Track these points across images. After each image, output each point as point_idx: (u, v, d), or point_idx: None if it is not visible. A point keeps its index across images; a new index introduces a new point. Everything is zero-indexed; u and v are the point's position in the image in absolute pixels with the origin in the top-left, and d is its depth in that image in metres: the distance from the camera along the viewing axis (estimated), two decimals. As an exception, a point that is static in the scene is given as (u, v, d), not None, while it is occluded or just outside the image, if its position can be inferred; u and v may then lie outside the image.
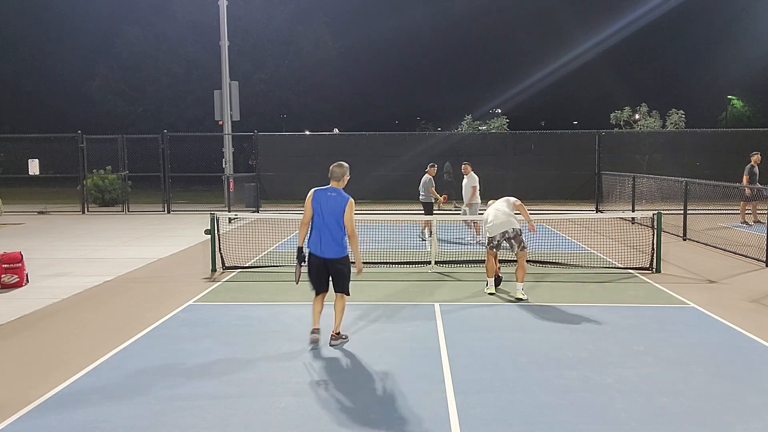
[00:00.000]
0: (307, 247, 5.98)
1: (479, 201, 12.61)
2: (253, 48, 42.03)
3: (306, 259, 6.05)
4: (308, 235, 6.03)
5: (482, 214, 12.58)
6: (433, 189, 13.28)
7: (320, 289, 6.09)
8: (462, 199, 13.14)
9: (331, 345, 6.01)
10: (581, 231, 13.71)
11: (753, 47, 45.13)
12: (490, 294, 8.22)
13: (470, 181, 12.65)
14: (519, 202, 8.45)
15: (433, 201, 13.45)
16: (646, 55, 53.70)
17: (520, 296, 7.90)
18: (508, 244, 8.21)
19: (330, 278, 6.05)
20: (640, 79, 50.35)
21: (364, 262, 10.29)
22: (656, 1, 47.67)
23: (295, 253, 6.13)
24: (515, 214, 8.29)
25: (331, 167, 6.08)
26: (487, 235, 8.37)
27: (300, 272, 6.11)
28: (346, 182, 6.07)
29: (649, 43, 52.85)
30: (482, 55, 61.33)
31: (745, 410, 4.60)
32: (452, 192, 19.84)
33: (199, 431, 4.33)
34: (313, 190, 5.94)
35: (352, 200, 5.92)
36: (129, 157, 21.02)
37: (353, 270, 6.07)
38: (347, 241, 5.94)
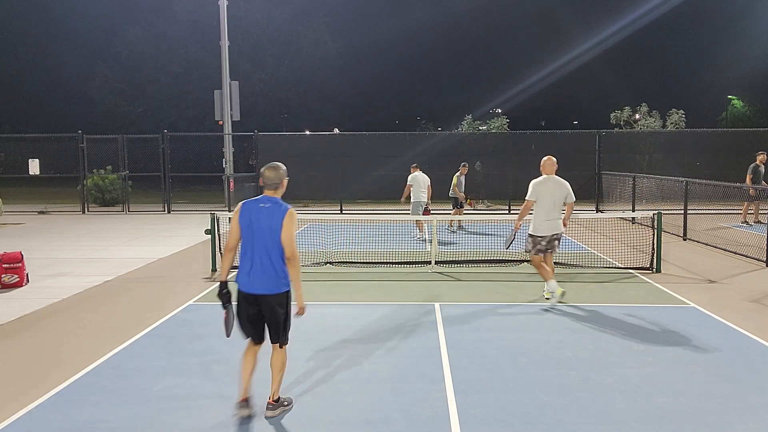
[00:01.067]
0: (235, 281, 4.47)
1: (421, 200, 13.23)
2: (253, 48, 42.04)
3: (233, 298, 4.51)
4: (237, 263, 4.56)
5: (428, 212, 13.53)
6: (458, 189, 14.54)
7: (255, 337, 4.54)
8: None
9: (267, 416, 4.46)
10: (581, 231, 13.71)
11: (753, 47, 45.14)
12: (563, 294, 7.62)
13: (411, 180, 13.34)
14: (572, 194, 7.77)
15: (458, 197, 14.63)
16: (646, 55, 53.72)
17: (549, 296, 7.71)
18: (548, 246, 7.71)
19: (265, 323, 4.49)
20: (640, 79, 50.36)
21: (364, 262, 10.43)
22: (656, 1, 47.69)
23: (218, 291, 4.53)
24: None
25: (263, 171, 4.58)
26: (534, 233, 7.72)
27: (231, 319, 4.52)
28: (284, 189, 4.66)
29: (649, 43, 52.88)
30: (482, 55, 61.38)
31: (745, 410, 4.60)
32: (482, 191, 20.07)
33: (199, 431, 4.33)
34: (240, 203, 4.56)
35: (293, 211, 4.47)
36: (129, 156, 21.03)
37: (293, 311, 4.49)
38: (287, 270, 4.40)
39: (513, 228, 8.17)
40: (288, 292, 4.44)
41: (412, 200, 13.27)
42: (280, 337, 4.47)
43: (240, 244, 4.48)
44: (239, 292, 4.45)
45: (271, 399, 4.52)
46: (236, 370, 5.40)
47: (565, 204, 7.74)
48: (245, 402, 4.49)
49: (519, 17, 57.73)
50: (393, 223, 15.53)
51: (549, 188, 7.65)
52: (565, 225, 7.79)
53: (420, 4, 56.05)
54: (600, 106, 39.23)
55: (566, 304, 7.63)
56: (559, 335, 6.42)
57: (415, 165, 13.73)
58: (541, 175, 7.79)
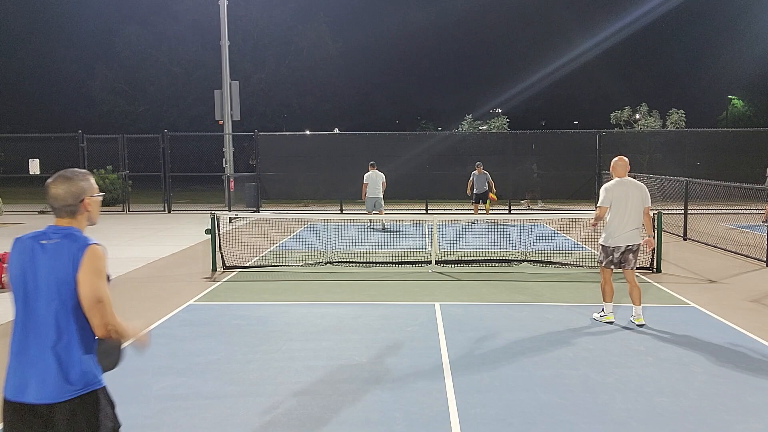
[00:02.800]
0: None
1: (374, 196, 15.02)
2: (254, 48, 42.07)
3: None
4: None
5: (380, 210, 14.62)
6: (468, 186, 16.38)
7: None
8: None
9: None
10: (581, 231, 13.70)
11: (753, 47, 45.13)
12: (609, 323, 6.81)
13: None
14: (649, 199, 6.75)
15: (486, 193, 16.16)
16: (646, 55, 53.77)
17: (641, 321, 6.71)
18: (622, 258, 6.74)
19: None
20: (640, 79, 50.42)
21: (364, 262, 10.44)
22: (656, 1, 47.70)
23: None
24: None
25: (47, 185, 2.71)
26: (605, 243, 6.78)
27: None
28: (89, 212, 2.77)
29: (649, 43, 52.93)
30: (482, 55, 61.41)
31: (745, 410, 4.60)
32: (538, 190, 20.12)
33: (199, 431, 4.33)
34: (14, 240, 2.80)
35: (98, 249, 2.68)
36: (129, 156, 21.04)
37: (125, 344, 2.73)
38: (95, 345, 2.63)
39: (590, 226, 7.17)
40: (95, 394, 2.58)
41: (367, 196, 15.10)
42: None
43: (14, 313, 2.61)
44: (5, 403, 2.54)
45: None
46: (236, 370, 5.41)
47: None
48: None
49: (519, 17, 57.79)
50: (393, 222, 15.54)
51: (623, 193, 6.67)
52: (649, 241, 6.74)
53: (420, 4, 56.13)
54: (600, 106, 39.29)
55: (566, 304, 7.63)
56: (559, 335, 6.42)
57: (372, 163, 15.50)
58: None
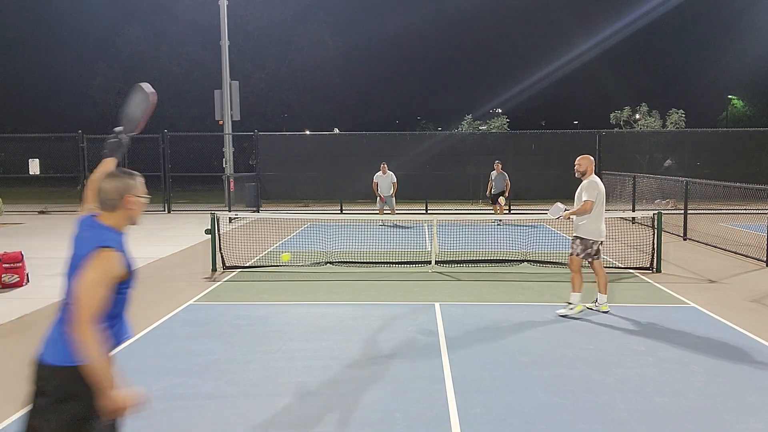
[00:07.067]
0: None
1: (384, 195, 15.88)
2: (254, 48, 42.04)
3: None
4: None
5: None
6: (490, 185, 16.43)
7: None
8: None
9: None
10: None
11: (753, 47, 45.12)
12: (580, 312, 7.13)
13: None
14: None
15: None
16: (646, 55, 53.79)
17: (607, 308, 7.25)
18: (596, 253, 7.19)
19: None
20: (640, 79, 50.44)
21: (364, 262, 10.43)
22: (656, 1, 47.70)
23: None
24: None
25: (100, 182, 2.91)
26: (593, 237, 7.09)
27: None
28: (131, 210, 3.00)
29: (649, 43, 52.95)
30: (482, 55, 61.44)
31: (745, 410, 4.60)
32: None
33: (199, 431, 4.33)
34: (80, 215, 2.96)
35: (111, 253, 2.80)
36: (129, 156, 20.99)
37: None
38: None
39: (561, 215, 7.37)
40: (76, 370, 2.62)
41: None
42: None
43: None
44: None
45: None
46: (236, 370, 5.41)
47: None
48: None
49: (519, 17, 57.78)
50: (393, 222, 15.54)
51: (602, 189, 7.18)
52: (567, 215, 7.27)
53: (420, 4, 56.10)
54: (600, 106, 39.26)
55: (566, 304, 7.62)
56: (559, 335, 6.42)
57: (383, 164, 16.02)
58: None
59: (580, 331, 6.59)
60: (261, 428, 4.36)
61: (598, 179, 7.24)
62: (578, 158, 7.32)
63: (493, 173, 16.20)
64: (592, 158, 7.39)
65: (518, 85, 51.03)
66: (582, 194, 7.11)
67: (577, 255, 7.15)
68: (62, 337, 2.69)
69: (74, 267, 2.73)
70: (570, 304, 7.19)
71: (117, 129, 3.45)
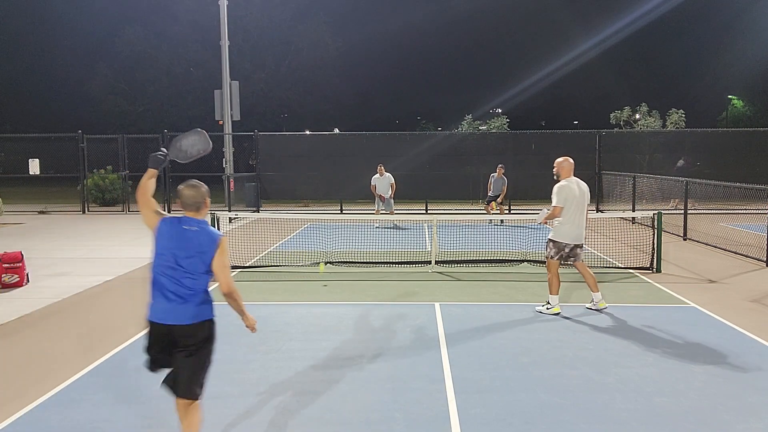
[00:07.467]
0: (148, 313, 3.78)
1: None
2: (254, 48, 42.06)
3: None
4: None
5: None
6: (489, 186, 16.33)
7: (169, 380, 3.86)
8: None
9: None
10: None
11: (753, 47, 45.11)
12: (556, 314, 7.15)
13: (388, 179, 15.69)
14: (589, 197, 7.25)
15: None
16: (646, 55, 53.73)
17: (605, 305, 7.28)
18: (572, 253, 7.18)
19: (174, 364, 3.79)
20: (640, 79, 50.38)
21: (364, 262, 10.43)
22: (656, 1, 47.69)
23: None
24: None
25: (180, 189, 3.97)
26: (564, 240, 7.09)
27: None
28: (207, 208, 4.06)
29: (649, 43, 52.89)
30: (482, 55, 61.39)
31: (745, 410, 4.60)
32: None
33: (199, 431, 4.32)
34: (160, 218, 3.85)
35: (225, 239, 3.88)
36: (129, 156, 21.03)
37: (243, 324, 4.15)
38: (210, 296, 3.90)
39: (539, 221, 7.43)
40: (211, 321, 3.93)
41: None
42: (195, 385, 3.93)
43: (152, 269, 3.80)
44: (151, 324, 3.80)
45: None
46: (236, 370, 5.40)
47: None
48: None
49: (519, 17, 57.75)
50: (392, 222, 15.53)
51: (573, 192, 7.05)
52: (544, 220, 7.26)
53: (420, 4, 56.10)
54: (600, 106, 39.21)
55: (566, 304, 7.62)
56: (559, 335, 6.42)
57: (380, 166, 15.80)
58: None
59: (580, 331, 6.59)
60: (261, 428, 4.36)
61: (568, 182, 7.10)
62: (556, 160, 7.31)
63: (494, 176, 16.14)
64: (570, 160, 7.23)
65: (518, 85, 51.00)
66: (552, 198, 7.14)
67: (551, 258, 7.19)
68: (199, 304, 3.76)
69: (197, 252, 3.73)
70: (548, 303, 7.27)
71: (164, 150, 4.29)
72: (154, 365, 3.84)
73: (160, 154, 4.24)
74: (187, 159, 4.45)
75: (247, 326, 4.12)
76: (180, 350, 3.74)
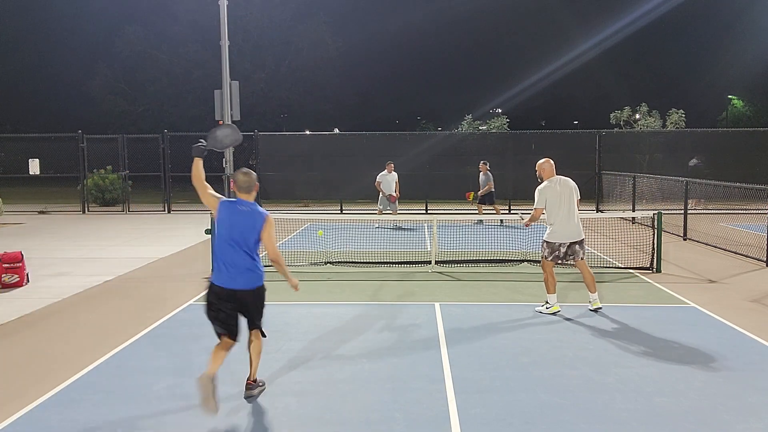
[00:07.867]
0: (210, 279, 4.77)
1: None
2: (254, 48, 42.05)
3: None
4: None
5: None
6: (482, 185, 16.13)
7: (232, 332, 4.71)
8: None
9: (246, 397, 4.81)
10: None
11: (753, 47, 45.09)
12: (554, 314, 7.16)
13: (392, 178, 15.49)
14: (577, 190, 7.23)
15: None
16: (646, 55, 53.72)
17: (599, 305, 7.26)
18: (569, 251, 7.14)
19: (242, 315, 4.78)
20: (640, 79, 50.37)
21: (364, 262, 10.44)
22: (656, 1, 47.68)
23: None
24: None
25: (235, 175, 4.78)
26: (556, 240, 7.09)
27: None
28: (256, 191, 4.82)
29: (649, 43, 52.88)
30: (482, 55, 61.33)
31: (745, 410, 4.60)
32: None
33: (200, 431, 4.33)
34: (219, 201, 4.74)
35: (271, 216, 4.76)
36: (129, 156, 21.03)
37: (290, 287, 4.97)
38: (261, 267, 4.77)
39: (524, 224, 7.57)
40: (263, 286, 4.88)
41: (381, 195, 15.46)
42: (260, 323, 4.89)
43: (213, 244, 4.83)
44: (214, 287, 4.73)
45: (250, 379, 4.90)
46: (236, 370, 5.40)
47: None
48: (209, 378, 4.38)
49: (519, 17, 57.71)
50: (392, 222, 15.53)
51: (556, 192, 7.06)
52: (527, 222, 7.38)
53: (420, 4, 56.06)
54: (600, 106, 39.22)
55: (566, 304, 7.63)
56: (559, 335, 6.42)
57: (388, 163, 15.60)
58: (542, 181, 7.27)
59: (580, 331, 6.59)
60: (261, 428, 4.36)
61: (549, 183, 7.17)
62: (537, 162, 7.40)
63: (481, 174, 15.98)
64: (550, 162, 7.33)
65: (518, 85, 50.94)
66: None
67: (546, 258, 7.23)
68: (253, 273, 4.68)
69: (249, 229, 4.63)
70: (547, 303, 7.30)
71: (203, 141, 4.92)
72: (216, 318, 4.68)
73: (202, 144, 4.89)
74: (222, 148, 5.20)
75: (291, 285, 4.88)
76: (246, 305, 4.72)
